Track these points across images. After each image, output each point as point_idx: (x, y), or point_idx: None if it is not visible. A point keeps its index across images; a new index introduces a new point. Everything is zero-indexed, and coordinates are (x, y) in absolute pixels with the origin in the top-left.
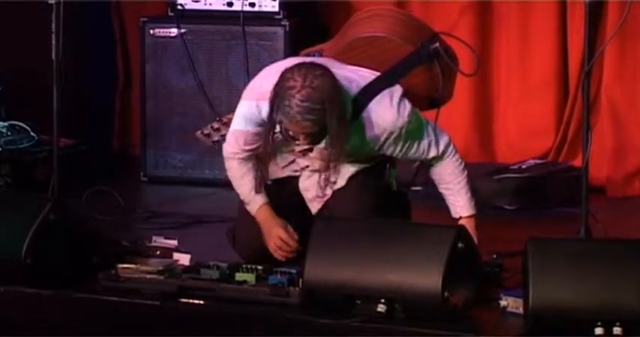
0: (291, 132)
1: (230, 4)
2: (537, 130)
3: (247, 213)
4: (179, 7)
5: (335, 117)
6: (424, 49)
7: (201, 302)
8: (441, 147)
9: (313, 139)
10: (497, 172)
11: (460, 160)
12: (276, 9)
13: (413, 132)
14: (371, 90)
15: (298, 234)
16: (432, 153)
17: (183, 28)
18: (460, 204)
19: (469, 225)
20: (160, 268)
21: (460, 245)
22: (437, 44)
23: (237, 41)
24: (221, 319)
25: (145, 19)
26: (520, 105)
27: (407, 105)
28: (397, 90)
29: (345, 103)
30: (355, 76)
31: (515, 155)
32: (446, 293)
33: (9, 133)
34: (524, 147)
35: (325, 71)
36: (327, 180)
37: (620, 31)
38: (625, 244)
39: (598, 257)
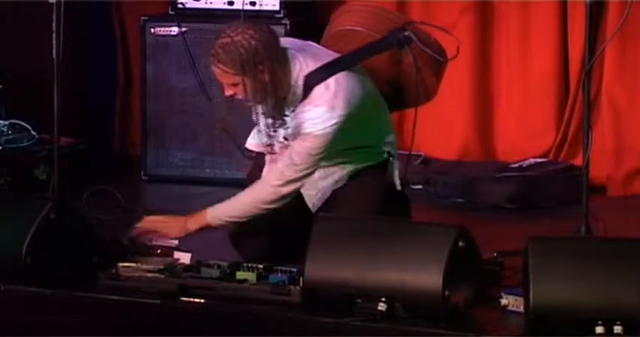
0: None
1: (231, 3)
2: (538, 129)
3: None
4: (180, 5)
5: (255, 73)
6: (392, 35)
7: (202, 301)
8: (291, 166)
9: (240, 91)
10: (498, 171)
11: (273, 199)
12: (277, 8)
13: (316, 141)
14: (324, 73)
15: (294, 233)
16: (284, 160)
17: (184, 26)
18: (218, 207)
19: (197, 220)
20: (161, 267)
21: (461, 244)
22: (407, 32)
23: None
24: (222, 318)
25: (146, 17)
26: (520, 104)
27: (347, 94)
28: (343, 79)
29: (275, 67)
30: (325, 59)
31: (515, 154)
32: (446, 292)
33: (9, 132)
34: (525, 146)
35: (261, 33)
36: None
37: (621, 30)
38: (625, 243)
39: (599, 256)
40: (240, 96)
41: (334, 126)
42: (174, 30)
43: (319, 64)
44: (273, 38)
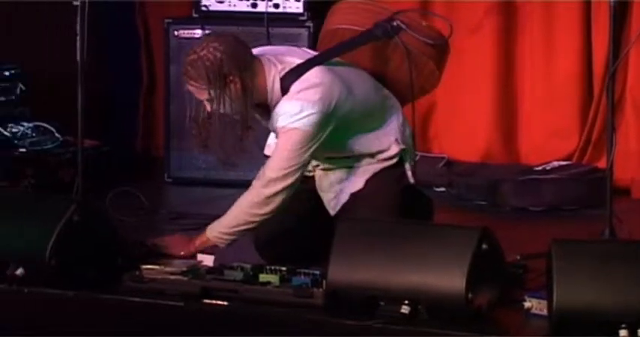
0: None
1: (254, 5)
2: (561, 131)
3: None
4: (203, 8)
5: (225, 84)
6: (378, 27)
7: (225, 303)
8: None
9: (212, 104)
10: (521, 174)
11: (259, 202)
12: (301, 10)
13: (290, 139)
14: (299, 71)
15: (316, 235)
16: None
17: (208, 29)
18: (215, 222)
19: (200, 237)
20: (184, 269)
21: (484, 246)
22: (396, 22)
23: (262, 42)
24: (244, 320)
25: (169, 20)
26: (544, 106)
27: (325, 89)
28: (316, 73)
29: (245, 75)
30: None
31: (539, 156)
32: (469, 295)
33: (34, 134)
34: (549, 149)
35: (227, 44)
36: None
37: None
38: None
39: (622, 258)
40: (221, 111)
41: (310, 119)
42: (198, 32)
43: (295, 60)
44: (240, 47)
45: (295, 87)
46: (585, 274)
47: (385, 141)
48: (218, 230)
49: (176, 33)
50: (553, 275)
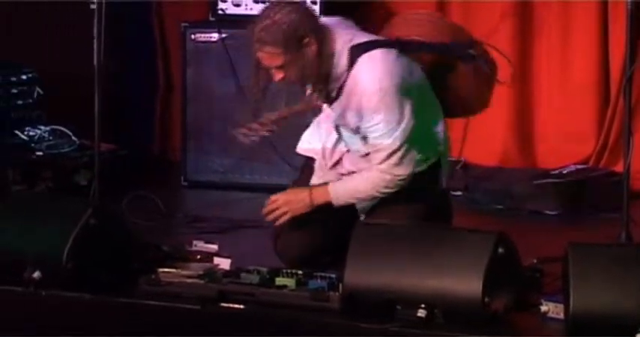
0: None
1: None
2: (578, 135)
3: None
4: (220, 11)
5: (301, 47)
6: (458, 46)
7: (242, 306)
8: (389, 149)
9: (284, 72)
10: (538, 177)
11: (390, 180)
12: (317, 13)
13: (385, 104)
14: (368, 46)
15: (337, 240)
16: (377, 155)
17: (224, 32)
18: (340, 183)
19: (322, 196)
20: (201, 272)
21: (500, 250)
22: (472, 51)
23: None
24: (261, 324)
25: (186, 24)
26: (561, 109)
27: (396, 65)
28: (390, 51)
29: (320, 38)
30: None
31: (555, 160)
32: (486, 299)
33: (50, 138)
34: (565, 153)
35: (299, 7)
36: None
37: None
38: None
39: (639, 262)
40: (289, 78)
41: (393, 81)
42: (215, 36)
43: (368, 38)
44: (311, 12)
45: (363, 59)
46: (602, 278)
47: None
48: (345, 198)
49: (193, 36)
50: (569, 279)
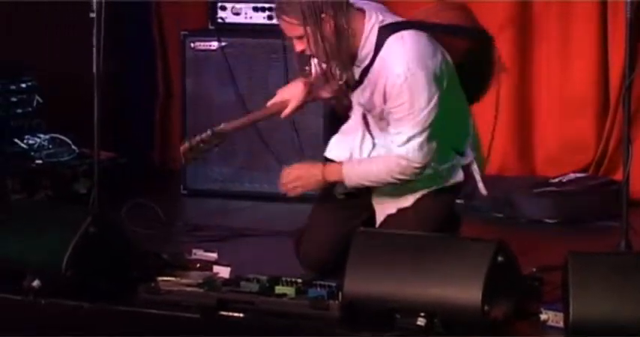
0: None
1: (271, 18)
2: (577, 144)
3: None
4: (219, 20)
5: (318, 21)
6: (481, 32)
7: (241, 315)
8: (410, 132)
9: (305, 46)
10: (537, 186)
11: (405, 167)
12: None
13: (411, 86)
14: (399, 27)
15: None
16: (397, 137)
17: (224, 41)
18: (355, 162)
19: (334, 174)
20: (200, 281)
21: (500, 258)
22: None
23: (278, 55)
24: (260, 332)
25: (186, 32)
26: (560, 118)
27: (426, 48)
28: (421, 34)
29: (339, 16)
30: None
31: (555, 169)
32: (486, 307)
33: (50, 146)
34: (564, 161)
35: None
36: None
37: None
38: None
39: (639, 270)
40: (308, 51)
41: (423, 64)
42: (214, 44)
43: (398, 19)
44: None
45: (391, 40)
46: (601, 286)
47: (448, 155)
48: (357, 179)
49: (192, 45)
50: (569, 288)
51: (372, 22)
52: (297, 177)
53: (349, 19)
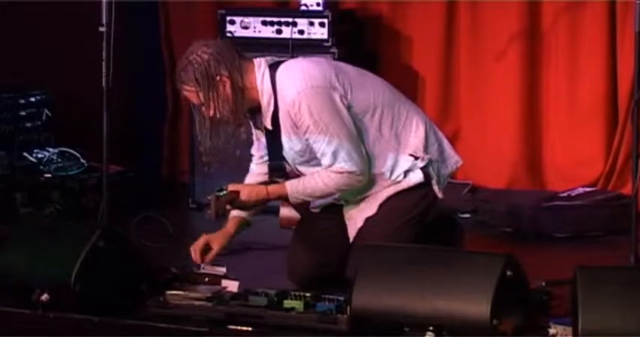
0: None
1: (279, 32)
2: (586, 158)
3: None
4: (228, 34)
5: (215, 84)
6: None
7: (250, 329)
8: (329, 149)
9: (208, 109)
10: (546, 200)
11: (348, 177)
12: (325, 36)
13: (308, 106)
14: (286, 60)
15: (339, 261)
16: (324, 159)
17: None
18: (296, 181)
19: (278, 191)
20: (209, 295)
21: (509, 272)
22: None
23: None
24: None
25: None
26: (569, 133)
27: (309, 65)
28: (300, 59)
29: (235, 75)
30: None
31: (564, 183)
32: (494, 321)
33: (59, 160)
34: (573, 175)
35: (215, 46)
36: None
37: None
38: None
39: None
40: (213, 112)
41: (315, 82)
42: None
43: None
44: (227, 48)
45: (280, 71)
46: (610, 300)
47: (402, 159)
48: (300, 195)
49: None
50: (578, 302)
51: (262, 67)
52: (242, 188)
53: (243, 73)
